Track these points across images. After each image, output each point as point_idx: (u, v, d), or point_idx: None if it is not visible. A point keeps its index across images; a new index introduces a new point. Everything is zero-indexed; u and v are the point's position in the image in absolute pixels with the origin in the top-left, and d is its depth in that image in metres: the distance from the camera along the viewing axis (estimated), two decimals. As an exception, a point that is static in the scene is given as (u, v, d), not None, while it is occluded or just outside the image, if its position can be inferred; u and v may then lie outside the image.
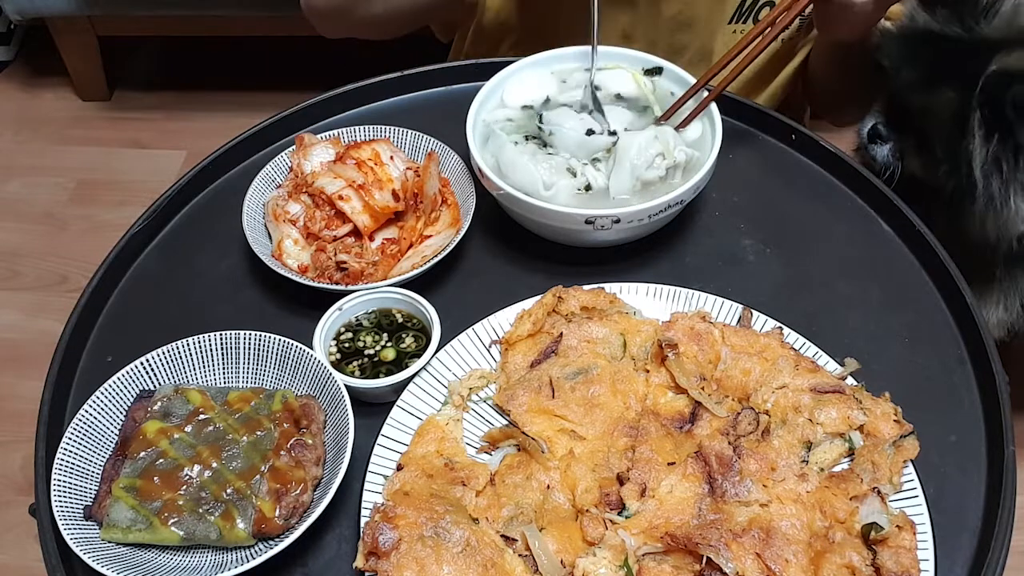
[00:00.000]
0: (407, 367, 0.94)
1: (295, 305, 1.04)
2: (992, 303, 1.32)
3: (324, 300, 0.99)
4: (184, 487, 0.85)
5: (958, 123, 1.12)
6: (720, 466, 0.85)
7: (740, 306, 1.00)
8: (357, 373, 0.96)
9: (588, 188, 1.04)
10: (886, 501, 0.85)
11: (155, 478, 0.85)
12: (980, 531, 0.87)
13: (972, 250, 1.19)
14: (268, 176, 1.11)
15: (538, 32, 1.33)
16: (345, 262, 1.03)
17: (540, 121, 1.10)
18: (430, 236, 1.07)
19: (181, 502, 0.84)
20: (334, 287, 1.00)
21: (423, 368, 0.94)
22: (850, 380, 0.95)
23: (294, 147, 1.13)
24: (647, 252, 1.09)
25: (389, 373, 0.95)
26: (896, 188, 1.14)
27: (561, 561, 0.81)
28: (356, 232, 1.06)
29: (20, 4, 2.40)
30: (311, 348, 0.94)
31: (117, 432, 0.91)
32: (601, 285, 1.01)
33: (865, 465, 0.87)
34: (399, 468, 0.87)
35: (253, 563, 0.81)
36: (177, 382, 0.94)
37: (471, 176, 1.09)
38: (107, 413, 0.91)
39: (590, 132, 1.07)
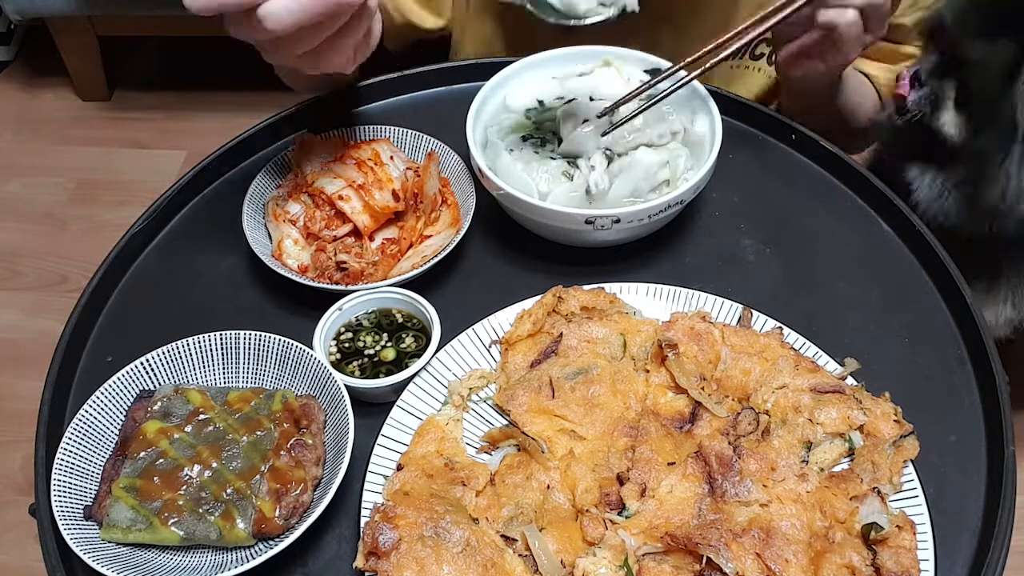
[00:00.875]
0: (407, 367, 0.94)
1: (295, 305, 1.04)
2: (1000, 300, 1.32)
3: (324, 300, 0.99)
4: (184, 487, 0.85)
5: (1008, 73, 1.12)
6: (720, 466, 0.85)
7: (740, 306, 1.00)
8: (357, 373, 0.96)
9: (588, 192, 1.04)
10: (886, 501, 0.85)
11: (155, 478, 0.85)
12: (980, 531, 0.87)
13: (976, 241, 1.19)
14: (268, 176, 1.11)
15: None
16: (345, 262, 1.03)
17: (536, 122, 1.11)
18: (430, 236, 1.07)
19: (181, 502, 0.84)
20: (334, 287, 1.00)
21: (423, 368, 0.94)
22: (850, 380, 0.95)
23: (294, 147, 1.13)
24: (647, 252, 1.09)
25: (389, 373, 0.95)
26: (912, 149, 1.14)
27: (561, 561, 0.81)
28: (356, 232, 1.06)
29: (20, 4, 2.40)
30: (311, 348, 0.94)
31: (117, 432, 0.91)
32: (601, 285, 1.01)
33: (865, 465, 0.87)
34: (399, 468, 0.87)
35: (253, 563, 0.81)
36: (177, 382, 0.94)
37: (471, 176, 1.09)
38: (107, 413, 0.91)
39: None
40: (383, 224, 1.08)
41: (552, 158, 1.08)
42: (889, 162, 1.32)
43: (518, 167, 1.06)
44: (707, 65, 1.06)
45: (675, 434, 0.89)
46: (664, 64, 1.13)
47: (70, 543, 0.81)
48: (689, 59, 1.06)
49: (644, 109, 1.06)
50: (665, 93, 1.06)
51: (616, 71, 1.14)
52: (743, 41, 1.06)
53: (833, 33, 1.06)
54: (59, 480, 0.85)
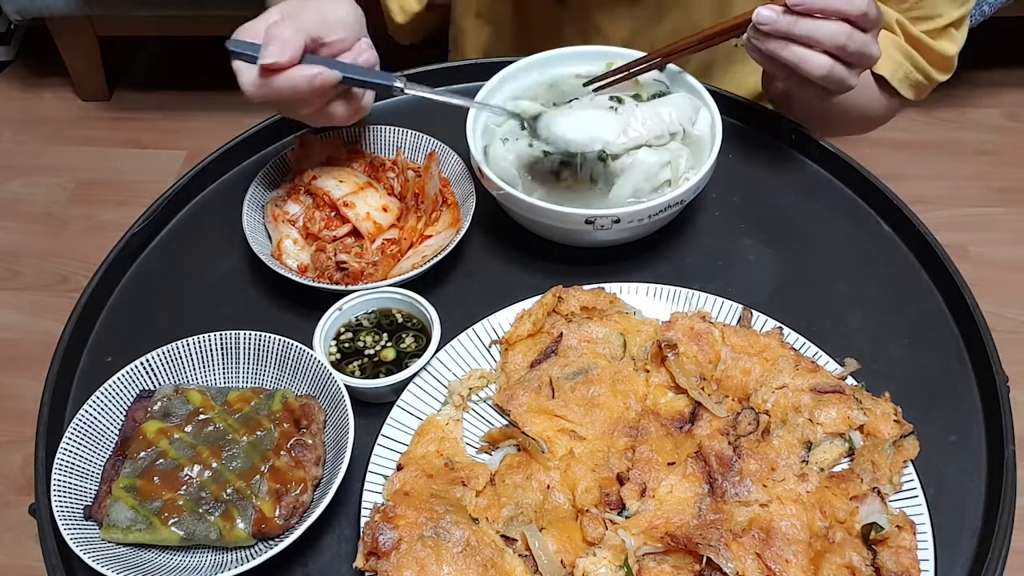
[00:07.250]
0: (407, 367, 0.94)
1: (295, 305, 1.04)
2: None
3: (324, 300, 0.99)
4: (184, 487, 0.85)
5: None
6: (720, 466, 0.85)
7: (740, 306, 1.00)
8: (357, 373, 0.96)
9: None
10: (886, 501, 0.85)
11: (155, 478, 0.85)
12: (980, 531, 0.87)
13: None
14: (268, 176, 1.11)
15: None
16: (345, 262, 1.03)
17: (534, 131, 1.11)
18: (430, 236, 1.07)
19: (181, 502, 0.84)
20: (334, 287, 1.00)
21: (423, 368, 0.94)
22: (850, 380, 0.95)
23: (294, 147, 1.13)
24: (647, 252, 1.09)
25: (389, 373, 0.95)
26: None
27: (561, 561, 0.81)
28: (356, 232, 1.06)
29: (20, 4, 2.41)
30: (311, 348, 0.94)
31: (117, 432, 0.91)
32: (601, 285, 1.01)
33: (865, 465, 0.87)
34: (399, 468, 0.87)
35: (253, 563, 0.81)
36: (177, 382, 0.94)
37: (471, 176, 1.09)
38: (107, 413, 0.91)
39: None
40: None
41: (546, 153, 1.08)
42: None
43: (509, 158, 1.06)
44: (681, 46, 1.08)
45: (675, 434, 0.89)
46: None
47: (70, 543, 0.81)
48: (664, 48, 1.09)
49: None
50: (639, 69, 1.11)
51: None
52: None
53: (813, 81, 1.02)
54: (59, 480, 0.85)
